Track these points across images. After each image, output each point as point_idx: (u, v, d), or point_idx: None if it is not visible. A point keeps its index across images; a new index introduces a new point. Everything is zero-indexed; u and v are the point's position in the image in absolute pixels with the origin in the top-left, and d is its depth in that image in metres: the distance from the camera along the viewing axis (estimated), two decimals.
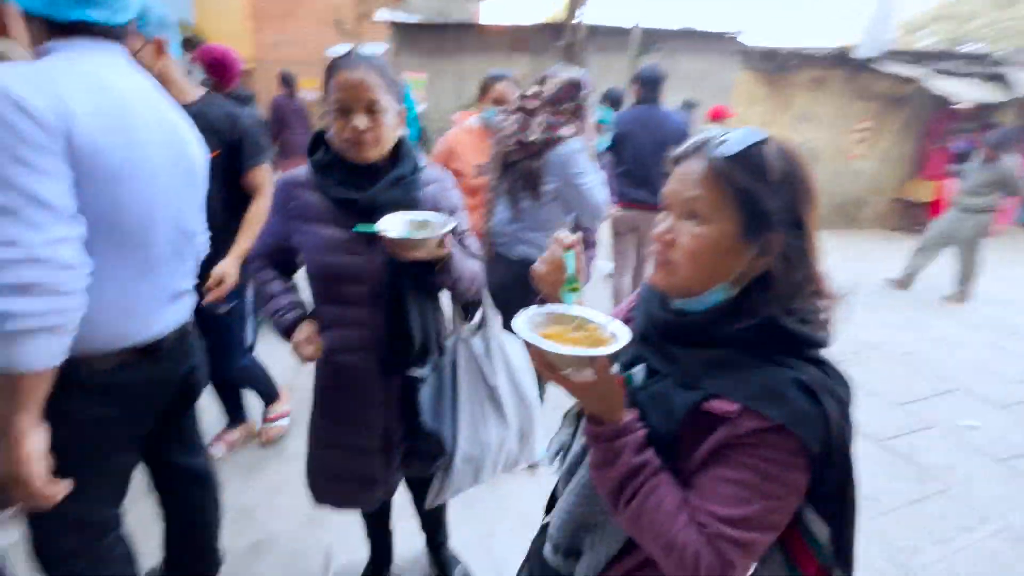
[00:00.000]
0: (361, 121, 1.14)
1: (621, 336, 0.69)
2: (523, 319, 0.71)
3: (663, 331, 0.76)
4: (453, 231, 1.19)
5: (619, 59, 8.98)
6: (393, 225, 1.12)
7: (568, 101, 2.06)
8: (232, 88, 3.05)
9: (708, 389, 0.67)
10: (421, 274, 1.24)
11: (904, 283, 5.61)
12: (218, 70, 2.93)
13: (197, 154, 1.25)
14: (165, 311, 1.19)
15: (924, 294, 5.47)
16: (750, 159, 0.66)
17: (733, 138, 0.68)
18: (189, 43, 4.10)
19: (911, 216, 8.79)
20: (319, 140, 1.27)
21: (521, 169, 2.06)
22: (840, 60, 8.18)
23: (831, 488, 0.67)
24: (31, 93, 0.87)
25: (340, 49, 1.25)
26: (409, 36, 9.45)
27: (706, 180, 0.68)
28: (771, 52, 8.08)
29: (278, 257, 1.35)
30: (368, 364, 1.28)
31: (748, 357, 0.67)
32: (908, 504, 2.40)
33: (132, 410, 1.18)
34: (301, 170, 1.27)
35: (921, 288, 5.57)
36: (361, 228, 1.14)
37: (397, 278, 1.23)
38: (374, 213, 1.15)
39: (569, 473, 0.87)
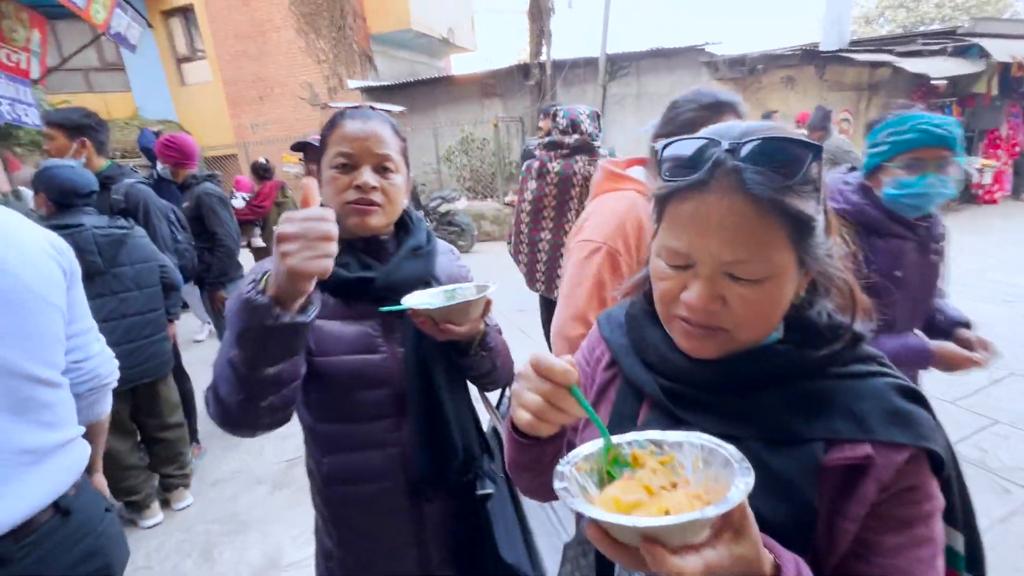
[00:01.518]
0: (370, 177, 0.94)
1: (733, 463, 0.44)
2: (560, 483, 0.46)
3: (717, 380, 0.59)
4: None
5: (590, 88, 9.12)
6: (422, 300, 0.92)
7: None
8: (191, 170, 3.16)
9: (809, 436, 0.54)
10: (456, 361, 1.02)
11: None
12: (173, 156, 3.09)
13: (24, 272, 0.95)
14: (14, 488, 0.89)
15: None
16: (810, 177, 0.53)
17: (773, 150, 0.51)
18: (158, 136, 4.17)
19: None
20: None
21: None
22: (808, 56, 8.25)
23: (955, 495, 0.59)
24: None
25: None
26: (380, 98, 9.64)
27: (760, 229, 0.52)
28: (738, 58, 8.17)
29: None
30: (394, 493, 1.01)
31: (829, 379, 0.57)
32: (994, 525, 2.07)
33: None
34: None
35: None
36: (389, 308, 0.89)
37: (428, 372, 0.98)
38: (390, 296, 0.94)
39: None
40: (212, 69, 11.74)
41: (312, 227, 0.71)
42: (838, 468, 0.53)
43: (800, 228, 0.53)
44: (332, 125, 0.99)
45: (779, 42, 8.31)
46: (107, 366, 1.20)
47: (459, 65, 15.23)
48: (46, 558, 0.92)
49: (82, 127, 2.41)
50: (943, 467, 0.54)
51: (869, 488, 0.52)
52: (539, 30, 9.27)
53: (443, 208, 7.81)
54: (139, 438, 2.54)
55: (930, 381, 3.17)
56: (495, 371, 1.06)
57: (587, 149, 2.54)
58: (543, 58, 9.26)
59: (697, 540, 0.40)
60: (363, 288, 0.96)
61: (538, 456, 0.64)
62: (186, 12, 11.66)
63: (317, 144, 3.30)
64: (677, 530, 0.39)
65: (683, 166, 0.55)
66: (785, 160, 0.51)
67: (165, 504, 2.60)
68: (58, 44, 8.27)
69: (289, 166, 9.98)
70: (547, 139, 2.68)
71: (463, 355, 1.00)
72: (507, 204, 9.56)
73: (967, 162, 7.54)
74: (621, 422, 0.64)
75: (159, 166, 3.17)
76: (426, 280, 1.02)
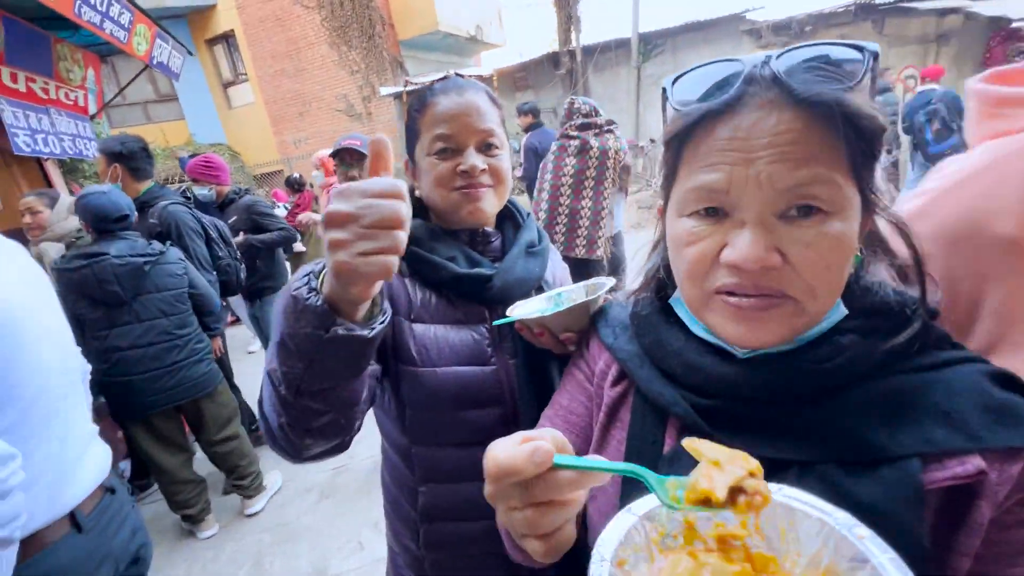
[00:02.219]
0: (476, 159, 0.82)
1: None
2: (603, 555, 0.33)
3: (768, 391, 0.45)
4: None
5: (623, 71, 8.81)
6: (531, 309, 0.78)
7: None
8: (226, 186, 3.31)
9: (899, 452, 0.41)
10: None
11: None
12: (212, 174, 3.24)
13: (41, 274, 1.12)
14: (80, 466, 1.03)
15: None
16: (866, 86, 0.41)
17: (821, 57, 0.42)
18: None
19: None
20: None
21: None
22: (864, 11, 7.56)
23: None
24: None
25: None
26: None
27: (820, 141, 0.40)
28: (783, 23, 7.61)
29: None
30: (495, 534, 0.82)
31: (908, 374, 0.44)
32: None
33: None
34: None
35: None
36: (502, 321, 0.75)
37: (545, 389, 0.80)
38: (505, 297, 0.81)
39: None
40: (254, 90, 12.27)
41: (374, 207, 0.49)
42: (940, 491, 0.40)
43: (865, 149, 0.42)
44: (422, 104, 0.85)
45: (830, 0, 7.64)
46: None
47: (489, 61, 15.17)
48: (107, 529, 1.06)
49: (115, 154, 2.54)
50: None
51: (984, 511, 0.39)
52: (567, 17, 9.06)
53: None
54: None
55: None
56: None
57: (613, 127, 2.98)
58: (573, 45, 9.03)
59: None
60: (476, 288, 0.82)
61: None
62: (228, 38, 12.23)
63: (352, 148, 3.20)
64: None
65: (705, 96, 0.44)
66: (838, 60, 0.42)
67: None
68: (117, 80, 8.88)
69: (315, 175, 10.33)
70: (581, 121, 2.98)
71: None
72: None
73: None
74: (641, 451, 0.51)
75: (198, 189, 3.27)
76: (539, 286, 0.89)
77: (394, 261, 0.50)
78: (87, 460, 1.06)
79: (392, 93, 10.23)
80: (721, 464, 0.35)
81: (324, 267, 0.55)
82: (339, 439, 0.67)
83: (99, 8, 3.51)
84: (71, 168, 5.78)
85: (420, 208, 0.90)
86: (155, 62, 4.74)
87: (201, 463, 2.68)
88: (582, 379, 0.64)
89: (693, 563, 0.34)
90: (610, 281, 0.74)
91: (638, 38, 8.37)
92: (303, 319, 0.53)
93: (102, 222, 2.17)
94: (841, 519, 0.31)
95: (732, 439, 0.45)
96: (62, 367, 1.04)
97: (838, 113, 0.40)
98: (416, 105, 0.86)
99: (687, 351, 0.50)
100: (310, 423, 0.60)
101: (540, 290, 0.88)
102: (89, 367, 1.21)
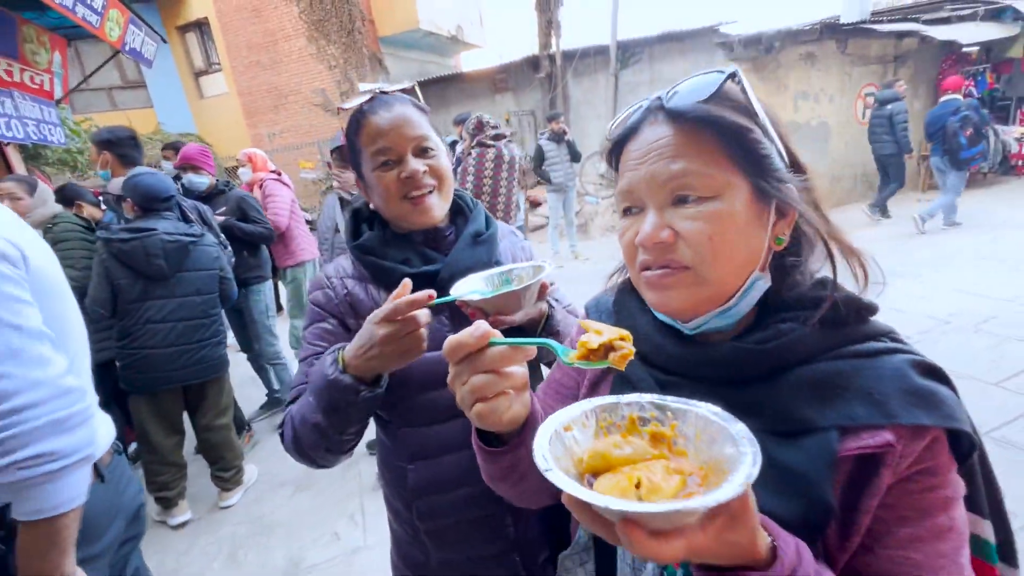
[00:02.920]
0: (417, 164, 0.90)
1: (738, 443, 0.39)
2: (539, 451, 0.41)
3: (717, 369, 0.55)
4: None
5: (601, 77, 8.98)
6: (474, 287, 0.83)
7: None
8: (212, 176, 3.36)
9: (822, 424, 0.49)
10: None
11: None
12: (210, 163, 3.32)
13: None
14: (103, 421, 1.11)
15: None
16: (731, 96, 0.53)
17: (693, 84, 0.52)
18: (172, 147, 4.32)
19: None
20: (358, 220, 1.03)
21: None
22: (829, 31, 7.92)
23: (979, 480, 0.55)
24: None
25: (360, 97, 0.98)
26: None
27: (688, 142, 0.52)
28: (754, 37, 7.89)
29: None
30: (483, 499, 0.93)
31: (842, 360, 0.52)
32: None
33: (89, 550, 1.04)
34: (341, 261, 1.02)
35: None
36: (439, 301, 0.80)
37: None
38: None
39: None
40: (227, 81, 11.98)
41: (402, 328, 0.70)
42: (852, 458, 0.48)
43: (738, 143, 0.52)
44: (357, 124, 0.92)
45: (797, 18, 8.00)
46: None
47: (469, 62, 15.20)
48: (119, 484, 1.15)
49: (105, 142, 2.68)
50: (972, 448, 0.50)
51: (884, 478, 0.47)
52: (547, 21, 9.16)
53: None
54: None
55: (974, 362, 3.03)
56: (562, 338, 0.96)
57: (513, 139, 3.55)
58: (552, 50, 9.15)
59: (683, 524, 0.36)
60: (428, 283, 0.87)
61: (512, 463, 0.59)
62: (201, 26, 11.91)
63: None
64: (660, 516, 0.35)
65: (623, 125, 0.57)
66: (701, 85, 0.52)
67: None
68: (81, 65, 8.55)
69: (306, 172, 10.13)
70: (493, 132, 3.48)
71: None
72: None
73: (1004, 131, 7.16)
74: None
75: (193, 176, 3.25)
76: (492, 267, 0.95)
77: (423, 345, 0.72)
78: (105, 418, 1.12)
79: (370, 89, 10.18)
80: (601, 332, 0.49)
81: (339, 349, 0.78)
82: (356, 444, 0.89)
83: None
84: (33, 155, 5.55)
85: (375, 217, 1.01)
86: (127, 48, 4.62)
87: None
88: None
89: (622, 440, 0.44)
90: (548, 267, 0.81)
91: (616, 46, 8.55)
92: (342, 394, 0.75)
93: (151, 201, 2.31)
94: (739, 429, 0.41)
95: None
96: (82, 336, 1.11)
97: (696, 120, 0.51)
98: (353, 127, 0.93)
99: (654, 334, 0.60)
100: (345, 447, 0.85)
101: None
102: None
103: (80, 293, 2.18)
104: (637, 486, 0.38)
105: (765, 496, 0.44)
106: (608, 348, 0.48)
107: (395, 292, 0.72)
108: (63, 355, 0.91)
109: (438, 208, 0.95)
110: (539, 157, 6.29)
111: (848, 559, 0.49)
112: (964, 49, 7.60)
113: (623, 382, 0.62)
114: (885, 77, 8.35)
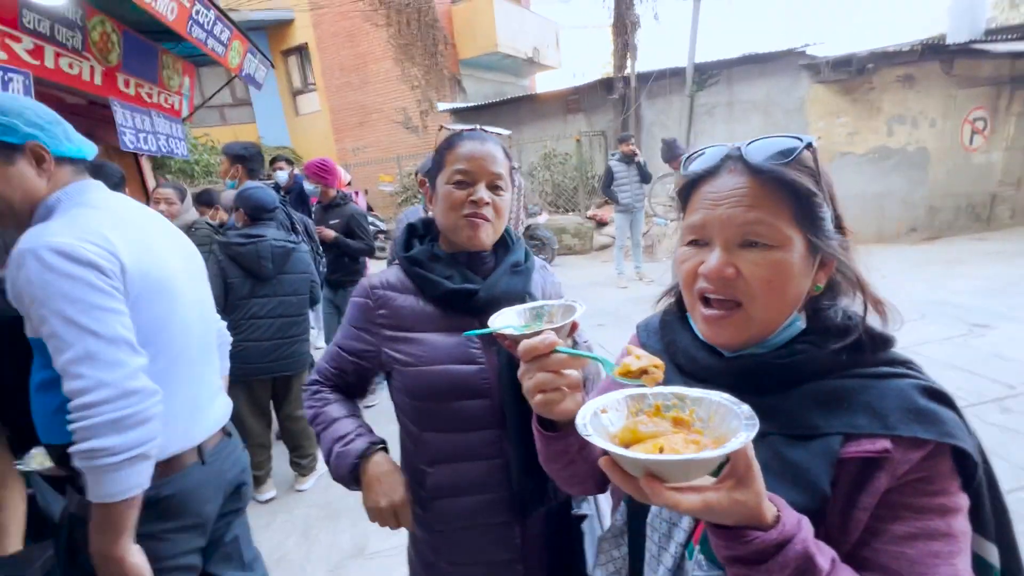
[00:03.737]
0: (485, 193, 1.01)
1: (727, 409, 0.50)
2: (581, 420, 0.51)
3: (742, 379, 0.62)
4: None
5: (676, 99, 8.87)
6: (508, 321, 0.84)
7: None
8: (333, 189, 3.68)
9: (827, 430, 0.56)
10: None
11: None
12: (323, 176, 3.61)
13: (195, 251, 1.33)
14: (209, 410, 1.25)
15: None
16: (804, 162, 0.60)
17: (771, 144, 0.60)
18: (274, 161, 4.81)
19: None
20: (411, 235, 1.14)
21: None
22: (931, 51, 7.37)
23: (986, 503, 0.57)
24: (81, 243, 0.96)
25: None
26: (468, 119, 10.10)
27: (764, 195, 0.59)
28: (844, 59, 7.50)
29: (350, 378, 1.11)
30: (496, 507, 1.03)
31: (853, 378, 0.59)
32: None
33: (185, 521, 1.17)
34: (388, 272, 1.10)
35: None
36: (473, 333, 0.86)
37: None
38: (491, 308, 0.91)
39: None
40: (320, 99, 13.05)
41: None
42: (855, 460, 0.54)
43: (803, 204, 0.59)
44: (449, 145, 1.04)
45: (895, 38, 7.49)
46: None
47: (544, 82, 15.53)
48: (223, 465, 1.27)
49: (238, 156, 3.12)
50: (974, 467, 0.54)
51: (882, 480, 0.53)
52: (623, 44, 9.22)
53: (526, 222, 7.98)
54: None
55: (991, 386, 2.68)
56: (587, 382, 1.04)
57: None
58: (627, 72, 9.19)
59: (698, 482, 0.45)
60: (466, 299, 1.01)
61: (564, 448, 0.69)
62: (301, 50, 13.10)
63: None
64: (678, 468, 0.44)
65: (702, 165, 0.64)
66: (781, 148, 0.59)
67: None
68: (200, 87, 9.68)
69: (385, 185, 10.79)
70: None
71: None
72: (588, 218, 9.55)
73: None
74: None
75: (307, 184, 3.71)
76: (523, 296, 1.04)
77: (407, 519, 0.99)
78: (214, 407, 1.28)
79: (449, 109, 10.69)
80: (640, 357, 0.58)
81: (365, 456, 0.98)
82: None
83: (206, 27, 3.95)
84: (159, 164, 6.41)
85: (427, 235, 1.13)
86: (244, 74, 5.21)
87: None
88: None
89: (648, 420, 0.53)
90: (581, 308, 0.77)
91: (693, 68, 8.43)
92: (339, 468, 1.00)
93: (260, 211, 2.66)
94: (744, 410, 0.48)
95: None
96: (202, 331, 1.25)
97: (774, 178, 0.58)
98: (446, 144, 1.05)
99: (691, 349, 0.68)
100: None
101: (523, 301, 0.95)
102: (230, 339, 1.46)
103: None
104: (660, 451, 0.46)
105: (776, 485, 0.52)
106: (643, 371, 0.58)
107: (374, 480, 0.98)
108: (140, 356, 0.99)
109: (488, 237, 1.04)
110: (608, 177, 6.31)
111: (849, 549, 0.54)
112: None
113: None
114: (999, 100, 7.61)
